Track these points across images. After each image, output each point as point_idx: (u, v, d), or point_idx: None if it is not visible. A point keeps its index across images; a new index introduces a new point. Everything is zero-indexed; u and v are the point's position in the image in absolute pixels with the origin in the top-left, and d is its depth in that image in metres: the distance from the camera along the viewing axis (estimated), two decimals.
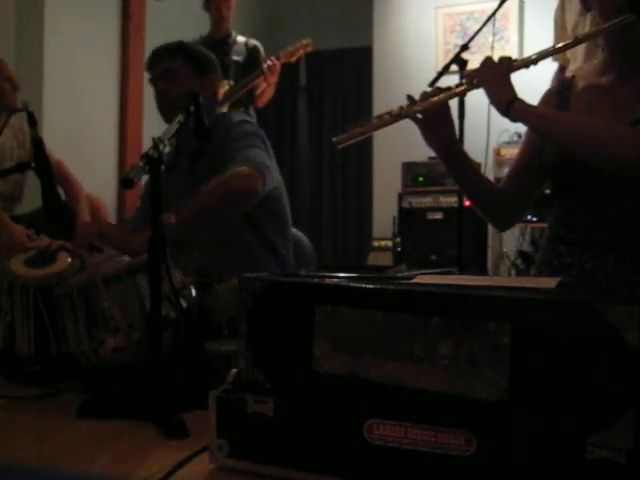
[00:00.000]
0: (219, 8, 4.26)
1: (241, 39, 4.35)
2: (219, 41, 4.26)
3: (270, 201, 2.01)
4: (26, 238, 2.61)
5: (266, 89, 4.16)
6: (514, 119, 1.51)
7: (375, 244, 5.33)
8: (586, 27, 2.63)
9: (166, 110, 2.02)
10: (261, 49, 4.35)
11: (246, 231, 2.02)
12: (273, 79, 4.13)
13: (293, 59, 4.29)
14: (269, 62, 4.08)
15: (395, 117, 1.55)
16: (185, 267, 1.48)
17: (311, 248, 2.33)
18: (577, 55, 2.70)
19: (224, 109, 4.08)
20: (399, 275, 1.06)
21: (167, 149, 1.32)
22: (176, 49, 2.05)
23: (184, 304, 1.36)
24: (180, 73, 2.02)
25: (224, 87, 4.10)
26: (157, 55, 2.07)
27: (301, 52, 4.27)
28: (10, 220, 2.74)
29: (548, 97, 1.71)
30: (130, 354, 1.34)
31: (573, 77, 1.72)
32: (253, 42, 4.36)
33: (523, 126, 1.74)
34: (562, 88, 1.69)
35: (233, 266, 1.84)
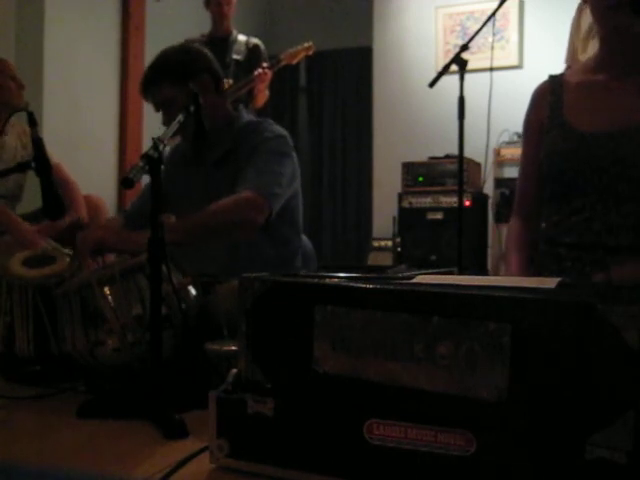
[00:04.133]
0: (220, 6, 4.26)
1: (242, 38, 4.35)
2: (220, 40, 4.26)
3: (287, 211, 2.03)
4: (36, 234, 2.66)
5: (258, 94, 4.17)
6: None
7: (375, 244, 5.33)
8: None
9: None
10: (262, 48, 4.35)
11: (260, 235, 2.01)
12: (262, 87, 4.14)
13: (294, 61, 4.29)
14: (260, 70, 4.08)
15: None
16: (187, 267, 1.48)
17: (312, 248, 2.33)
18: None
19: None
20: (399, 275, 1.06)
21: (166, 147, 1.31)
22: (159, 79, 1.99)
23: (182, 305, 1.36)
24: (175, 98, 1.97)
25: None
26: (145, 90, 2.03)
27: (302, 55, 4.28)
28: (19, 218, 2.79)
29: (541, 95, 1.67)
30: (125, 355, 1.34)
31: (562, 75, 1.70)
32: (254, 41, 4.35)
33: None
34: (554, 86, 1.65)
35: (240, 267, 1.84)
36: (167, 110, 2.00)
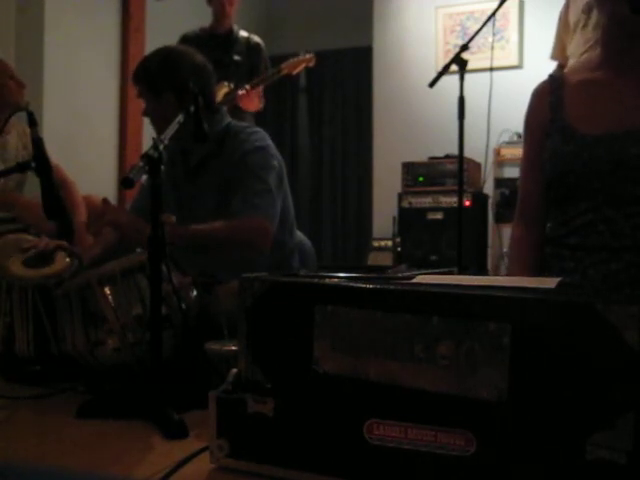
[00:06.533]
0: (223, 5, 4.25)
1: (243, 35, 4.33)
2: (221, 38, 4.25)
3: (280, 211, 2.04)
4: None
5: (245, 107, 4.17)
6: None
7: (375, 244, 5.33)
8: (588, 24, 2.64)
9: (156, 127, 2.06)
10: (263, 46, 4.34)
11: None
12: (251, 106, 4.13)
13: (295, 72, 4.29)
14: (242, 92, 4.05)
15: None
16: (187, 267, 1.48)
17: (312, 248, 2.33)
18: (576, 53, 2.71)
19: None
20: (399, 275, 1.06)
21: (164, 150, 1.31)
22: (138, 77, 2.06)
23: (182, 305, 1.36)
24: (146, 98, 2.06)
25: (223, 89, 4.10)
26: (132, 80, 2.13)
27: (303, 66, 4.28)
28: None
29: (540, 96, 1.64)
30: (125, 355, 1.34)
31: (562, 74, 1.69)
32: (256, 39, 4.34)
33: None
34: (554, 86, 1.63)
35: (238, 268, 1.85)
36: (145, 103, 2.08)
